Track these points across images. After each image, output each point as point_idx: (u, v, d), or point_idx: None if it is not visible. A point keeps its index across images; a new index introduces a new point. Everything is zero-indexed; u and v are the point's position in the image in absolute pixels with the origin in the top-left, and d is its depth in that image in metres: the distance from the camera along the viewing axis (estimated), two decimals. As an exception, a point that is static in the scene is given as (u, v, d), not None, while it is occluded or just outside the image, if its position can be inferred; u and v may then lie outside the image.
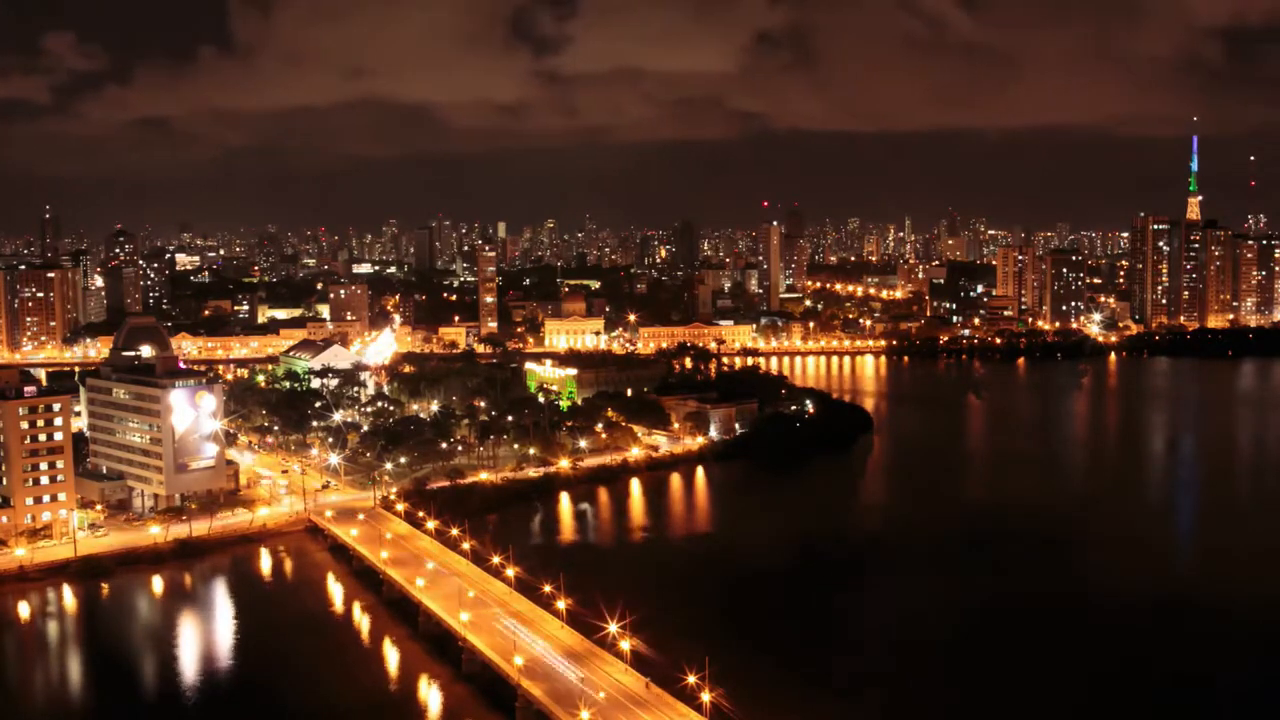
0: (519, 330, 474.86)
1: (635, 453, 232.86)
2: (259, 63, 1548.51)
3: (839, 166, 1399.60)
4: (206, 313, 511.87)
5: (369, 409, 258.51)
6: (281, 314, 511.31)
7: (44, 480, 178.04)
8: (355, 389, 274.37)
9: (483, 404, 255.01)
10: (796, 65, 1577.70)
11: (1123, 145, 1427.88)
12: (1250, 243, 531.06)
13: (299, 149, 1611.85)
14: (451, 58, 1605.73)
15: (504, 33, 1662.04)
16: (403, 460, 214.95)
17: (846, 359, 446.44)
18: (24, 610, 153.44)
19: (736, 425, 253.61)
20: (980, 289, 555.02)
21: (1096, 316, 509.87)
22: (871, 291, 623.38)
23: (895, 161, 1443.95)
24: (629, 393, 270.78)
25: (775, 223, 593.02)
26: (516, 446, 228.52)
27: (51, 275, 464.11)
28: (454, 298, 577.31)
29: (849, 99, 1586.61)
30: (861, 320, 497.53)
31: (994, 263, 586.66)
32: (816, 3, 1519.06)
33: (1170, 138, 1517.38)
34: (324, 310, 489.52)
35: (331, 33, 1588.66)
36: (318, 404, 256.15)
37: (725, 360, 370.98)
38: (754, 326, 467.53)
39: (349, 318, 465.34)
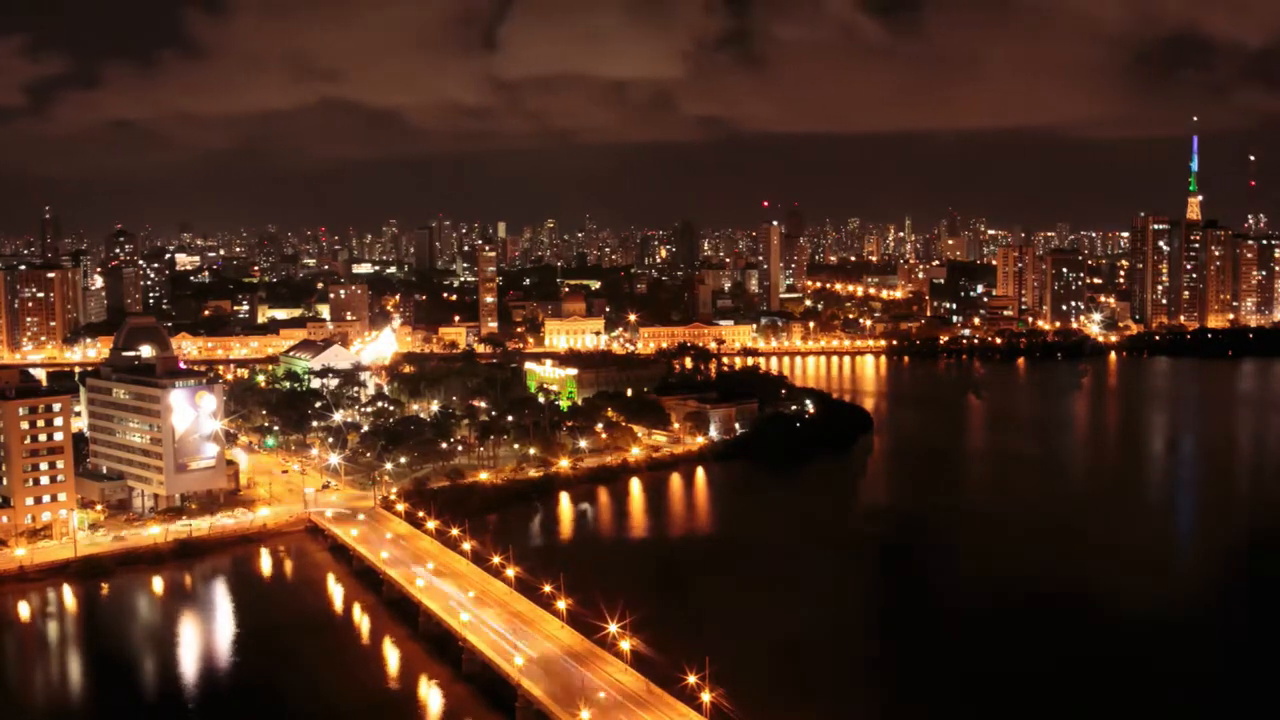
0: (519, 330, 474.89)
1: (635, 453, 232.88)
2: (220, 66, 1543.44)
3: (802, 168, 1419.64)
4: (206, 313, 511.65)
5: (369, 409, 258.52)
6: (281, 314, 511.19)
7: (44, 480, 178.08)
8: (355, 389, 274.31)
9: (483, 404, 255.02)
10: (742, 69, 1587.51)
11: (1075, 147, 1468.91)
12: (1250, 243, 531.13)
13: (282, 150, 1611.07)
14: (411, 61, 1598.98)
15: (457, 35, 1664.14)
16: (403, 460, 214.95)
17: (846, 359, 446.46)
18: (24, 610, 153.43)
19: (736, 425, 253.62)
20: (980, 289, 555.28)
21: (1096, 316, 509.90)
22: (871, 291, 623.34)
23: (848, 162, 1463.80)
24: (629, 393, 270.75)
25: (775, 223, 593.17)
26: (516, 446, 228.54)
27: (51, 275, 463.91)
28: (454, 298, 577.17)
29: (798, 101, 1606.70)
30: (861, 320, 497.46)
31: (994, 263, 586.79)
32: (755, 9, 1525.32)
33: (1115, 139, 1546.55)
34: (324, 310, 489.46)
35: (292, 36, 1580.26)
36: (318, 404, 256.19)
37: (725, 360, 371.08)
38: (754, 326, 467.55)
39: (349, 318, 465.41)
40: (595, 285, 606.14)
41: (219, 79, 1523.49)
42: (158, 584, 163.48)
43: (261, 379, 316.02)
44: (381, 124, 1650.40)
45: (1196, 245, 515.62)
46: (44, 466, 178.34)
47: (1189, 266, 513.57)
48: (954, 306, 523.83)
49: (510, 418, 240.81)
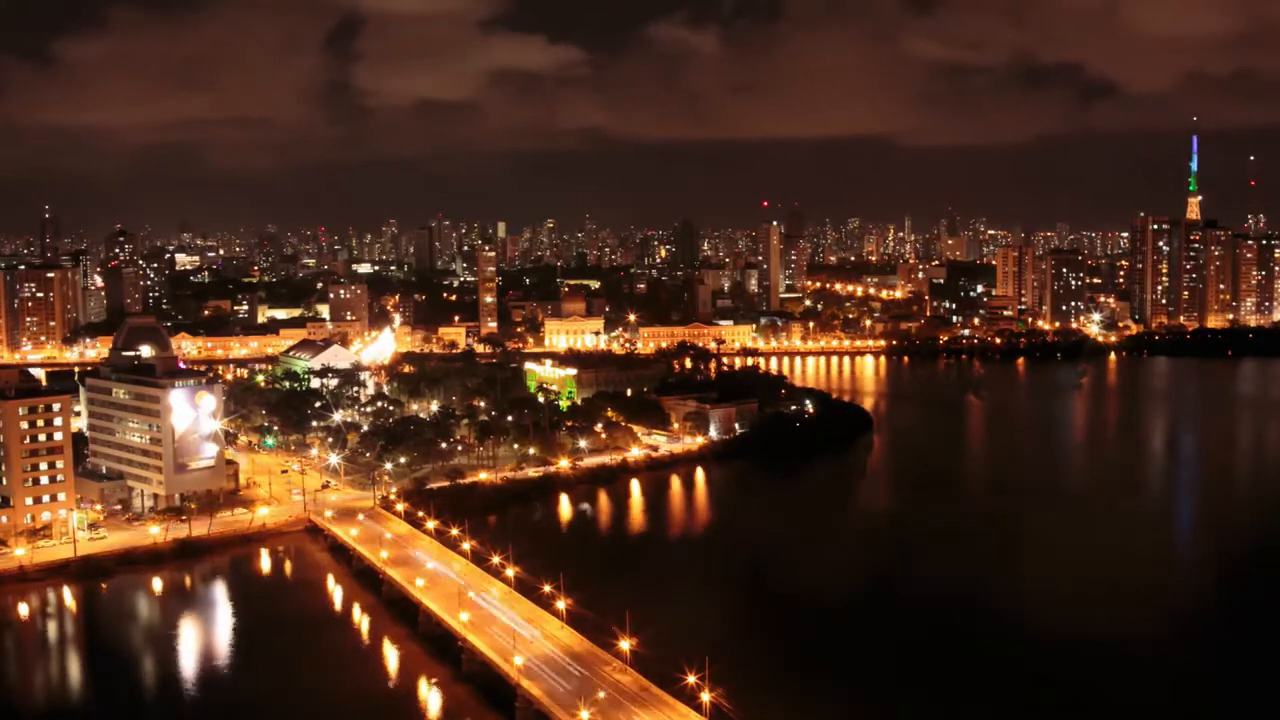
0: (519, 330, 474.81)
1: (635, 453, 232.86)
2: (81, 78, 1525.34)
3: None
4: (206, 313, 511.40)
5: (369, 409, 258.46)
6: (281, 314, 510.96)
7: (44, 480, 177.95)
8: (355, 389, 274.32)
9: (483, 404, 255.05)
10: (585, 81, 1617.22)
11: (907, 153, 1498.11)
12: (1250, 243, 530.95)
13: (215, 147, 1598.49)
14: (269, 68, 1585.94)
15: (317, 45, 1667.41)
16: (403, 460, 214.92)
17: (846, 359, 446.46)
18: (24, 610, 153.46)
19: (736, 425, 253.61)
20: (980, 289, 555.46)
21: (1096, 316, 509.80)
22: (871, 291, 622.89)
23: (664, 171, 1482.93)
24: (629, 393, 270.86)
25: (775, 223, 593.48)
26: (516, 446, 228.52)
27: (51, 275, 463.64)
28: (454, 298, 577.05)
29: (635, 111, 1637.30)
30: (861, 320, 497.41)
31: (994, 263, 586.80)
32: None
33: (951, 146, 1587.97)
34: (324, 310, 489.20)
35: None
36: (317, 404, 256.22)
37: (725, 360, 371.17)
38: (754, 326, 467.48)
39: (349, 318, 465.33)
40: (595, 285, 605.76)
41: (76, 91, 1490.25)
42: (158, 584, 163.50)
43: (261, 379, 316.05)
44: (252, 128, 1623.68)
45: (1196, 245, 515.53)
46: (44, 466, 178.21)
47: (1189, 266, 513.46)
48: (954, 306, 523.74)
49: (510, 418, 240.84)
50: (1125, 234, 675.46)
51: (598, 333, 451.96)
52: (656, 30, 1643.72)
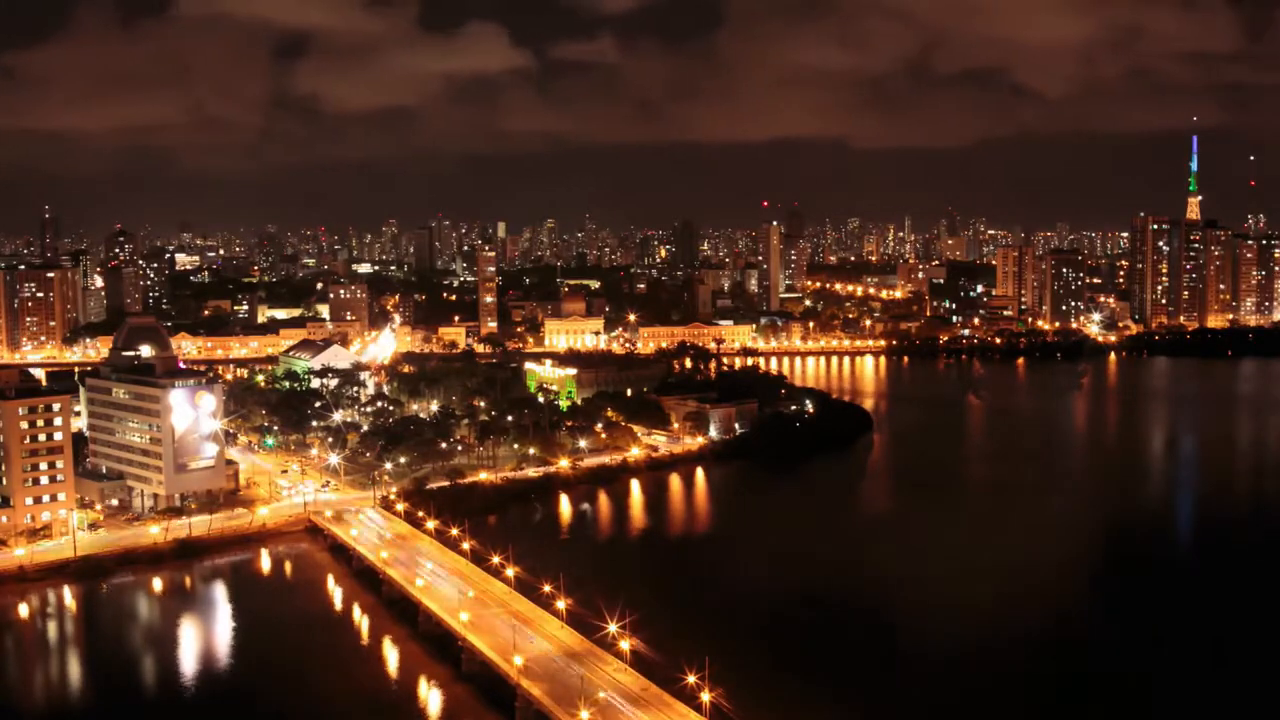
0: (519, 330, 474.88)
1: (635, 453, 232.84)
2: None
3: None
4: (206, 313, 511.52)
5: (369, 409, 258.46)
6: (281, 314, 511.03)
7: (44, 480, 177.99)
8: (355, 389, 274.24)
9: (482, 404, 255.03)
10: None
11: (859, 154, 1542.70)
12: (1250, 243, 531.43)
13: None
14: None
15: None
16: (402, 460, 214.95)
17: (846, 359, 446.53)
18: (24, 610, 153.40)
19: (736, 425, 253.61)
20: (980, 289, 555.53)
21: (1096, 316, 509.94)
22: (871, 291, 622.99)
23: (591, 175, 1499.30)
24: (629, 393, 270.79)
25: (775, 223, 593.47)
26: (516, 446, 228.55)
27: (51, 275, 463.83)
28: (454, 298, 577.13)
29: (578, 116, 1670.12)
30: (861, 320, 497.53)
31: (994, 263, 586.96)
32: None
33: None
34: (324, 310, 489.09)
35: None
36: (317, 404, 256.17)
37: (725, 360, 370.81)
38: (754, 326, 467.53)
39: (349, 318, 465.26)
40: (595, 285, 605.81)
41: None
42: (158, 584, 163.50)
43: (261, 379, 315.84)
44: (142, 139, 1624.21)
45: (1196, 245, 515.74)
46: (44, 466, 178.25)
47: (1189, 266, 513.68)
48: (954, 306, 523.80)
49: (510, 418, 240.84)
50: (1125, 234, 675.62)
51: (598, 333, 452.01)
52: (603, 38, 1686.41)
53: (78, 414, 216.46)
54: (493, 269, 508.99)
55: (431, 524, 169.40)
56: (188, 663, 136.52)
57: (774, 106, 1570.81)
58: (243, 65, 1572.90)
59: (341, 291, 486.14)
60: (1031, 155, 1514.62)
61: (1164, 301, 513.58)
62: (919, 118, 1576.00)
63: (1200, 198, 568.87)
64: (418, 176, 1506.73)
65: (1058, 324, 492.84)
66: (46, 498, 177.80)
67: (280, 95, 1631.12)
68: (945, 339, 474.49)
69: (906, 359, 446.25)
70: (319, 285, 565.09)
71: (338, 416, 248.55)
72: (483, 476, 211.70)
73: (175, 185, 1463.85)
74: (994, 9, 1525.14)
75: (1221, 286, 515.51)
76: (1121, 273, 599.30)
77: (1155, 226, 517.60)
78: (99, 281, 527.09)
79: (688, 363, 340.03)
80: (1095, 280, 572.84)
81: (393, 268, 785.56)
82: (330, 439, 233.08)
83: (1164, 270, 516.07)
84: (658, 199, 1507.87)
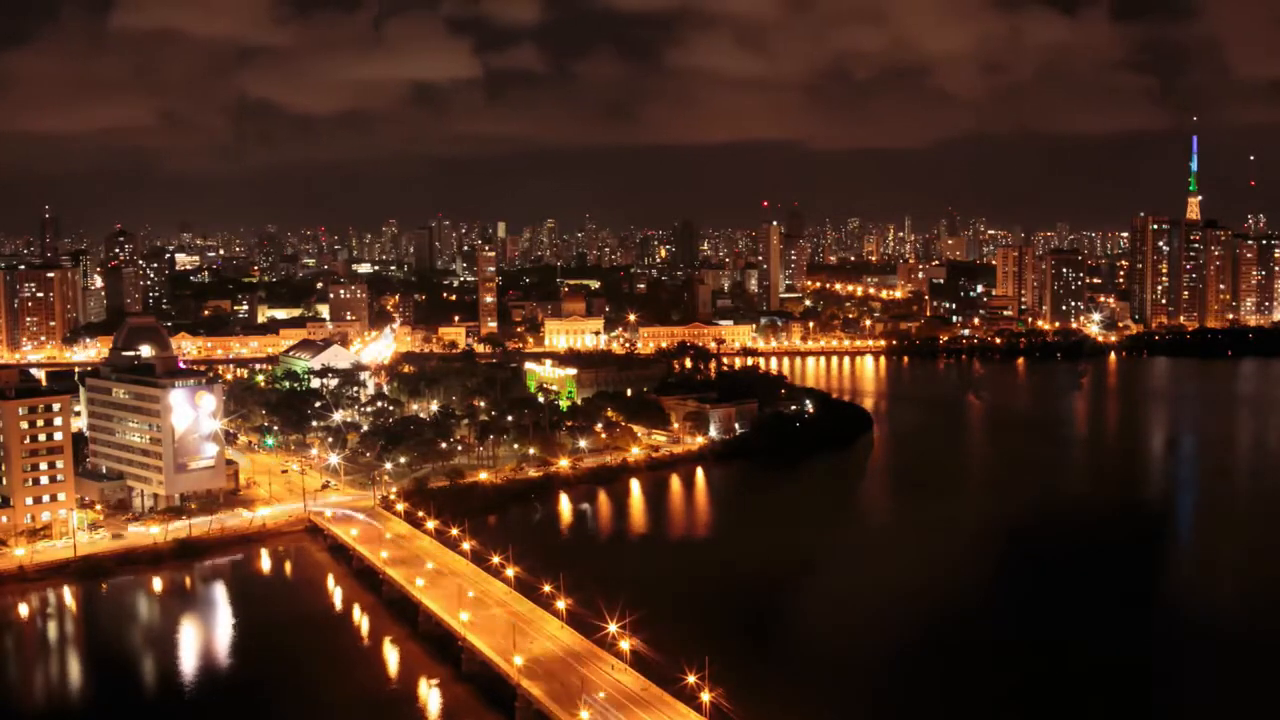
0: (519, 330, 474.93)
1: (635, 453, 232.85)
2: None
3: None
4: (206, 313, 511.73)
5: (369, 409, 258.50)
6: (281, 314, 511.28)
7: (44, 480, 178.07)
8: (355, 389, 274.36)
9: (483, 404, 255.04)
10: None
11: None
12: (1250, 243, 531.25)
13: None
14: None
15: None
16: (403, 460, 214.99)
17: (846, 359, 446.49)
18: (24, 610, 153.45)
19: (736, 425, 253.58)
20: (980, 289, 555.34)
21: (1096, 316, 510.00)
22: (871, 291, 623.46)
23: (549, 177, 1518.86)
24: (629, 393, 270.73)
25: (775, 223, 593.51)
26: (516, 446, 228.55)
27: (51, 275, 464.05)
28: (454, 298, 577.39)
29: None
30: (861, 320, 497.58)
31: (994, 263, 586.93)
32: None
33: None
34: (324, 310, 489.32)
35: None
36: (317, 404, 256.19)
37: (725, 360, 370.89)
38: (754, 326, 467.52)
39: (349, 318, 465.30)
40: (595, 285, 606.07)
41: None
42: (158, 584, 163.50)
43: (261, 379, 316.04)
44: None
45: (1196, 245, 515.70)
46: (44, 466, 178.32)
47: (1189, 266, 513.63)
48: (954, 306, 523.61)
49: (510, 418, 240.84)
50: (1125, 234, 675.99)
51: (598, 333, 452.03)
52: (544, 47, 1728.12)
53: (78, 414, 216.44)
54: (493, 269, 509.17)
55: (431, 524, 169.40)
56: (188, 663, 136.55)
57: (728, 111, 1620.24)
58: (196, 75, 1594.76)
59: (341, 291, 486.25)
60: (986, 156, 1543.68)
61: (1164, 301, 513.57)
62: (863, 120, 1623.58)
63: (1200, 198, 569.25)
64: (378, 179, 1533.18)
65: (1058, 324, 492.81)
66: (46, 498, 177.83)
67: (241, 101, 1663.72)
68: (945, 339, 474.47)
69: (906, 359, 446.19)
70: (319, 285, 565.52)
71: (338, 416, 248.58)
72: (483, 476, 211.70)
73: (163, 186, 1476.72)
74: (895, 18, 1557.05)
75: (1221, 286, 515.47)
76: (1121, 273, 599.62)
77: (1155, 226, 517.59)
78: (99, 281, 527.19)
79: (688, 363, 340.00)
80: (1095, 280, 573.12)
81: (393, 268, 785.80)
82: (330, 439, 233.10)
83: (1164, 270, 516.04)
84: (615, 200, 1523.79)
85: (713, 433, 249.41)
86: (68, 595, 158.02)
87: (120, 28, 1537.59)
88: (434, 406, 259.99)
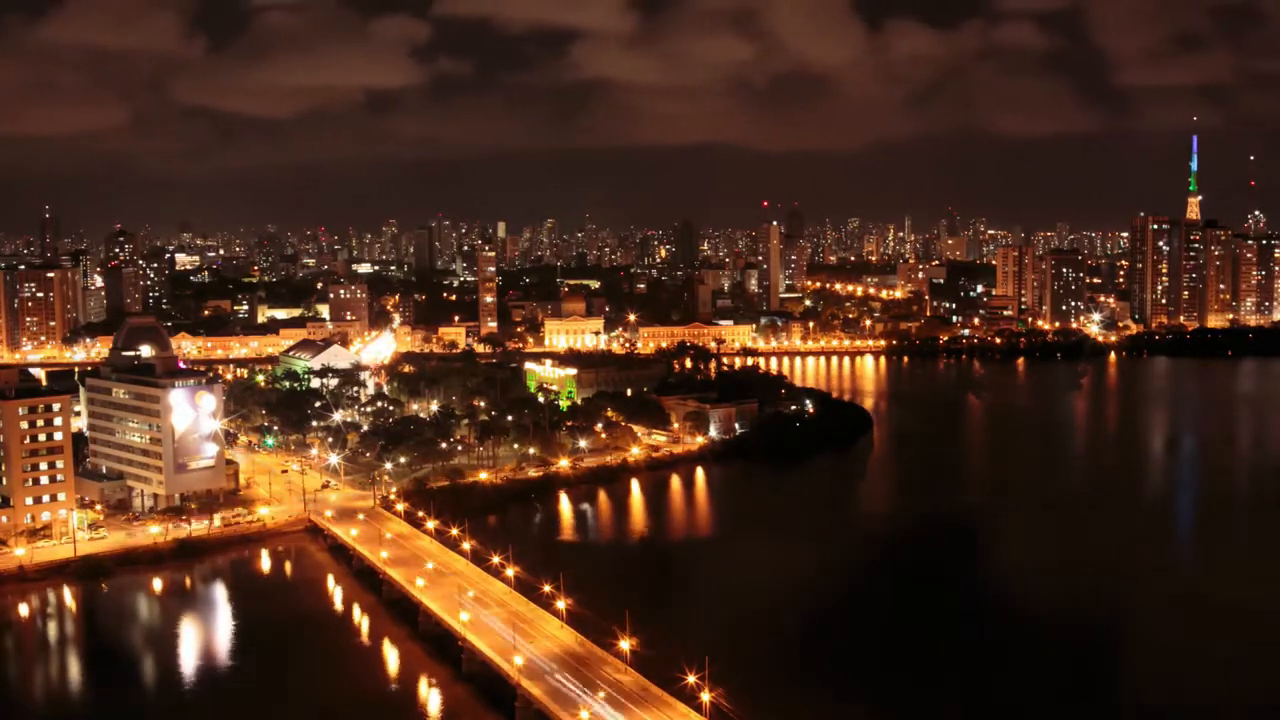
0: (519, 330, 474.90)
1: (635, 453, 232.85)
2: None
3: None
4: (206, 313, 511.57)
5: (369, 409, 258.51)
6: (281, 314, 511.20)
7: (44, 480, 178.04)
8: (355, 389, 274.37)
9: (483, 404, 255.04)
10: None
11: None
12: (1250, 242, 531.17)
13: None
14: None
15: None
16: (403, 460, 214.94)
17: (846, 359, 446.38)
18: (24, 610, 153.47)
19: (736, 425, 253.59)
20: (980, 289, 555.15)
21: (1096, 316, 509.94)
22: (871, 291, 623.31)
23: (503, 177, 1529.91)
24: (629, 393, 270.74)
25: (775, 223, 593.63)
26: (516, 446, 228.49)
27: (51, 275, 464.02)
28: (454, 298, 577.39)
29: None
30: (861, 320, 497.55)
31: (994, 263, 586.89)
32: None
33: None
34: (324, 310, 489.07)
35: None
36: (317, 404, 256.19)
37: (725, 360, 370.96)
38: (754, 326, 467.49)
39: (349, 318, 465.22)
40: (595, 285, 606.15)
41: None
42: (158, 584, 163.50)
43: (261, 379, 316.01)
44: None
45: (1196, 245, 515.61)
46: (44, 466, 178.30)
47: (1189, 266, 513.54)
48: (954, 306, 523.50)
49: (510, 418, 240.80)
50: (1125, 234, 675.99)
51: (597, 333, 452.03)
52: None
53: (78, 414, 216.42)
54: (493, 269, 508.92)
55: (431, 524, 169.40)
56: (188, 663, 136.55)
57: (660, 115, 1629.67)
58: (138, 84, 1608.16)
59: (341, 291, 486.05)
60: (924, 156, 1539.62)
61: (1164, 301, 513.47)
62: (796, 123, 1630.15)
63: (1200, 198, 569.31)
64: (348, 180, 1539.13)
65: (1058, 324, 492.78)
66: (46, 498, 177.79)
67: (186, 106, 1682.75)
68: (945, 339, 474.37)
69: (906, 359, 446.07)
70: (319, 285, 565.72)
71: (338, 416, 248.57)
72: (483, 476, 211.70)
73: (158, 187, 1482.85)
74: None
75: (1221, 286, 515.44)
76: (1121, 273, 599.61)
77: (1155, 226, 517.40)
78: (99, 281, 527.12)
79: (688, 363, 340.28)
80: (1095, 280, 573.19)
81: (393, 268, 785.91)
82: (330, 439, 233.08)
83: (1164, 270, 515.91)
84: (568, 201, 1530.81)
85: (713, 433, 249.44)
86: (68, 595, 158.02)
87: (53, 40, 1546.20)
88: (434, 406, 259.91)
